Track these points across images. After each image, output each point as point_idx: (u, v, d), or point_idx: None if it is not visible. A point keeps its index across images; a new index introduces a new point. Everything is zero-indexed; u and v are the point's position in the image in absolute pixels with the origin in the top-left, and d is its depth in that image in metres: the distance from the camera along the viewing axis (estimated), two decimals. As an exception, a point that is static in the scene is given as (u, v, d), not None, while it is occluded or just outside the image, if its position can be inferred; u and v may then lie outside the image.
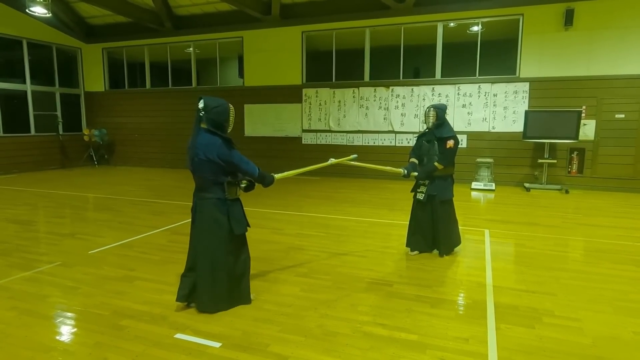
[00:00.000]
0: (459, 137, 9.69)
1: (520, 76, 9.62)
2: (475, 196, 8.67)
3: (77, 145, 13.72)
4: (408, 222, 4.78)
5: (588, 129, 9.24)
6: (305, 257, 4.59)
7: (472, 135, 10.11)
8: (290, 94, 11.64)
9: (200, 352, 2.69)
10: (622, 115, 9.06)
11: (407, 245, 4.75)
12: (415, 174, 4.55)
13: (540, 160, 9.32)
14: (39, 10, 10.08)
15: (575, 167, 9.50)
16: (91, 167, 13.56)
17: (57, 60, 13.29)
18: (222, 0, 10.35)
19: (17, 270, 4.14)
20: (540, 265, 4.38)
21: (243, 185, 3.34)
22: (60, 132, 13.30)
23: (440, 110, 4.51)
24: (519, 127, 9.58)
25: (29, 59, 12.34)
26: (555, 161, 9.39)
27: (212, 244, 3.20)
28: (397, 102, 10.68)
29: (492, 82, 9.86)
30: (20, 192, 8.91)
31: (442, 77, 10.31)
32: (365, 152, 10.95)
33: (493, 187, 9.29)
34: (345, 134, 11.25)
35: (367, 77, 10.96)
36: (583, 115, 9.12)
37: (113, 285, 3.77)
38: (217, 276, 3.21)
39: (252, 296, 3.44)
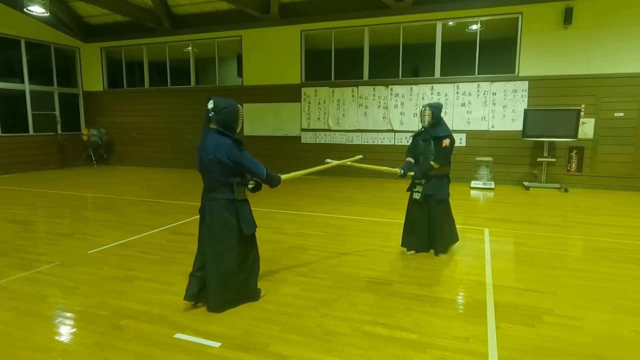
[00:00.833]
0: (458, 136, 9.95)
1: (520, 75, 9.62)
2: (474, 195, 8.68)
3: (75, 145, 13.70)
4: (403, 222, 4.77)
5: (587, 128, 9.24)
6: (305, 257, 4.58)
7: (471, 134, 10.11)
8: (289, 93, 11.63)
9: (200, 352, 2.68)
10: (621, 114, 9.06)
11: (402, 245, 4.74)
12: (412, 173, 4.54)
13: (539, 159, 9.32)
14: (37, 10, 10.06)
15: (574, 165, 9.50)
16: (90, 167, 13.55)
17: (55, 59, 13.26)
18: (221, -1, 10.34)
19: (16, 270, 4.13)
20: (540, 264, 4.38)
21: (250, 186, 3.36)
22: (59, 131, 13.27)
23: (436, 109, 4.51)
24: (518, 125, 9.58)
25: (27, 59, 12.31)
26: (554, 160, 9.40)
27: (221, 244, 3.21)
28: (396, 101, 10.67)
29: (491, 81, 9.86)
30: (19, 192, 8.89)
31: (441, 76, 10.31)
32: (364, 151, 10.93)
33: (492, 186, 9.29)
34: (344, 133, 11.24)
35: (366, 76, 10.95)
36: (582, 113, 9.13)
37: (112, 285, 3.76)
38: (226, 276, 3.22)
39: (262, 293, 3.49)
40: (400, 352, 2.67)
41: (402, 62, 10.61)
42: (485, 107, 9.96)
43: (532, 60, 9.49)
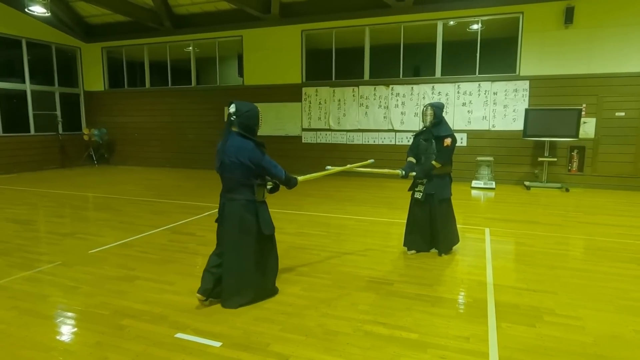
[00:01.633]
0: (459, 135, 9.93)
1: (521, 74, 9.61)
2: (475, 195, 8.67)
3: (76, 145, 13.71)
4: (405, 222, 4.77)
5: (588, 127, 9.23)
6: (305, 256, 4.59)
7: (472, 134, 10.10)
8: (290, 93, 11.63)
9: (200, 351, 2.68)
10: (623, 113, 9.04)
11: (404, 245, 4.74)
12: (414, 173, 4.54)
13: (540, 159, 9.31)
14: (38, 10, 10.07)
15: (575, 165, 9.49)
16: (91, 167, 13.56)
17: (56, 59, 13.27)
18: (222, -1, 10.34)
19: (18, 270, 4.14)
20: (541, 263, 4.38)
21: (269, 187, 3.42)
22: (60, 131, 13.29)
23: (437, 109, 4.51)
24: (519, 125, 9.57)
25: (28, 59, 12.32)
26: (555, 159, 9.38)
27: (241, 243, 3.29)
28: (397, 100, 10.66)
29: (492, 81, 9.85)
30: (20, 191, 8.90)
31: (442, 75, 10.30)
32: (365, 151, 10.95)
33: (493, 186, 9.29)
34: (345, 132, 11.24)
35: (367, 76, 10.95)
36: (583, 113, 9.11)
37: (113, 285, 3.77)
38: (244, 274, 3.30)
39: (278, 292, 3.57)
40: (401, 352, 2.67)
41: (403, 62, 10.61)
42: (486, 107, 9.95)
43: (533, 60, 9.47)
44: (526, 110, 9.29)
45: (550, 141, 9.15)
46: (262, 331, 2.93)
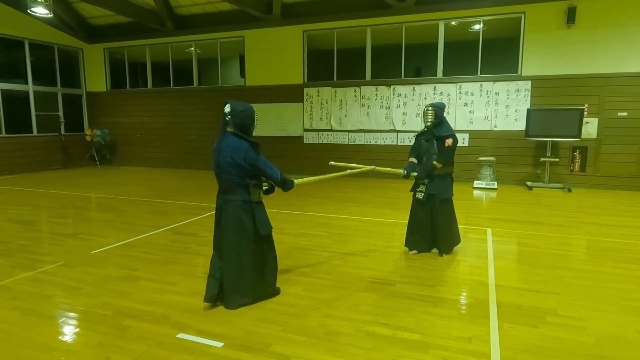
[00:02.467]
0: (461, 135, 9.93)
1: (522, 74, 9.59)
2: (477, 195, 8.66)
3: (79, 146, 13.75)
4: (407, 222, 4.77)
5: (590, 127, 9.21)
6: (307, 257, 4.59)
7: (474, 134, 10.09)
8: (291, 94, 11.63)
9: (202, 352, 2.69)
10: (625, 114, 9.02)
11: (405, 245, 4.74)
12: (415, 173, 4.54)
13: (542, 159, 9.29)
14: (40, 11, 10.10)
15: (577, 165, 9.46)
16: (93, 167, 13.59)
17: (58, 60, 13.31)
18: (223, -1, 10.36)
19: (20, 271, 4.15)
20: (543, 264, 4.37)
21: (264, 189, 3.40)
22: (62, 132, 13.33)
23: (438, 109, 4.50)
24: (521, 125, 9.56)
25: (31, 60, 12.36)
26: (557, 159, 9.36)
27: (238, 244, 3.28)
28: (399, 101, 10.66)
29: (494, 81, 9.83)
30: (23, 192, 8.93)
31: (443, 75, 10.29)
32: (366, 151, 10.96)
33: (495, 186, 9.27)
34: (346, 133, 11.24)
35: (368, 76, 10.94)
36: (585, 113, 9.09)
37: (116, 285, 3.78)
38: (243, 275, 3.29)
39: (280, 292, 3.57)
40: (403, 353, 2.66)
41: (405, 62, 10.60)
42: (488, 107, 9.93)
43: (535, 60, 9.46)
44: (528, 110, 9.27)
45: (552, 141, 9.13)
46: (263, 332, 2.94)
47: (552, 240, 5.28)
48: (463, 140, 10.01)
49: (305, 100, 11.54)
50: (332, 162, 4.28)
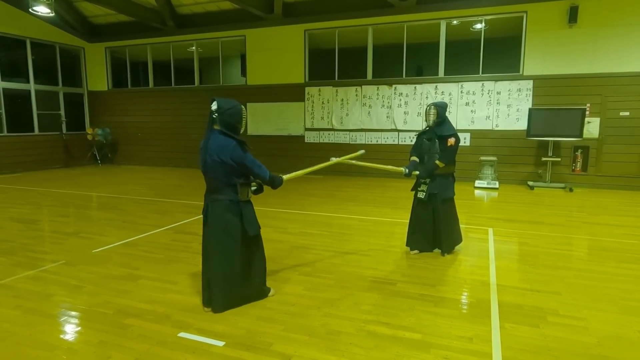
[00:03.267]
0: (463, 135, 9.92)
1: (524, 74, 9.57)
2: (478, 194, 8.65)
3: (80, 145, 13.76)
4: (408, 221, 4.76)
5: (592, 127, 9.19)
6: (308, 256, 4.59)
7: (475, 134, 10.07)
8: (293, 93, 11.63)
9: (203, 350, 2.69)
10: (627, 113, 9.00)
11: (407, 245, 4.74)
12: (417, 172, 4.53)
13: (544, 159, 9.27)
14: (42, 10, 10.11)
15: (579, 165, 9.45)
16: (94, 166, 13.61)
17: (60, 59, 13.32)
18: (225, -2, 10.36)
19: (22, 269, 4.15)
20: (544, 264, 4.36)
21: (253, 189, 3.31)
22: (64, 131, 13.35)
23: (440, 108, 4.49)
24: (522, 125, 9.55)
25: (32, 59, 12.38)
26: (559, 159, 9.35)
27: (225, 244, 3.19)
28: (400, 100, 10.65)
29: (496, 80, 9.82)
30: (24, 191, 8.94)
31: (445, 75, 10.28)
32: (368, 151, 10.85)
33: (497, 186, 9.26)
34: (348, 132, 11.23)
35: (370, 76, 10.93)
36: (587, 113, 9.07)
37: (117, 284, 3.78)
38: (230, 276, 3.22)
39: (271, 292, 3.52)
40: (404, 352, 2.66)
41: (406, 62, 10.59)
42: (489, 107, 9.92)
43: (536, 59, 9.44)
44: (530, 109, 9.26)
45: (554, 141, 9.11)
46: (264, 331, 2.94)
47: (553, 240, 5.27)
48: (464, 140, 9.99)
49: (306, 99, 11.53)
50: (333, 158, 4.26)
